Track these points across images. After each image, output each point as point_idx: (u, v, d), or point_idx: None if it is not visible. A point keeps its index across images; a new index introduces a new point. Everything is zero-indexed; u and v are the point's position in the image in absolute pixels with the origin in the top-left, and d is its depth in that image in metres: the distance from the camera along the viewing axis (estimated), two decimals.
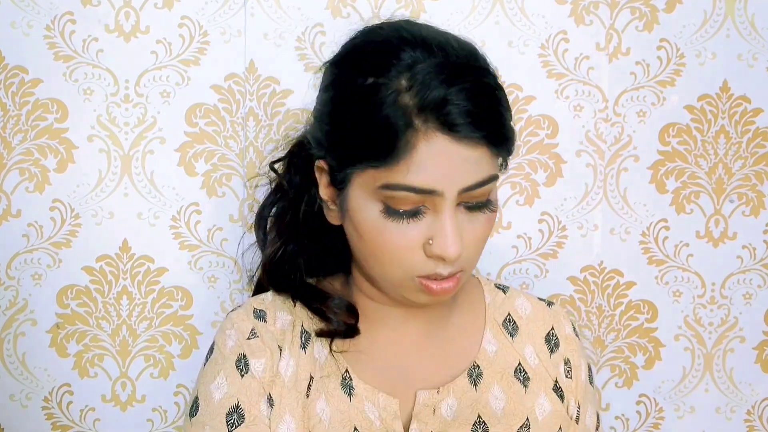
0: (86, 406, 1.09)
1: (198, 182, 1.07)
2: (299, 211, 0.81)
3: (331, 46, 1.06)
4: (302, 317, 0.80)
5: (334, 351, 0.78)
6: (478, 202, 0.71)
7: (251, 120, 1.07)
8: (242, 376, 0.75)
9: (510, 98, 1.07)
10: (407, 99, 0.67)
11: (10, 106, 1.05)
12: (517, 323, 0.84)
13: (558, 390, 0.82)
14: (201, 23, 1.06)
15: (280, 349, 0.78)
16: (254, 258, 1.09)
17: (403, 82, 0.68)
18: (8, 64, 1.04)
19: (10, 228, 1.06)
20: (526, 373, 0.81)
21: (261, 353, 0.77)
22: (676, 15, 1.08)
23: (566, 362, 0.83)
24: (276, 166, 0.85)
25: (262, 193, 1.07)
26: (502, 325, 0.83)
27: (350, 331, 0.78)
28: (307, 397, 0.76)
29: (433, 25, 0.75)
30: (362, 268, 0.77)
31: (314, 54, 1.06)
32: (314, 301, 0.80)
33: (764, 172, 1.10)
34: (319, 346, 0.79)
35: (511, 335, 0.83)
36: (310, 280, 0.83)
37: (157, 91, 1.06)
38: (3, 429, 1.09)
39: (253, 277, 0.89)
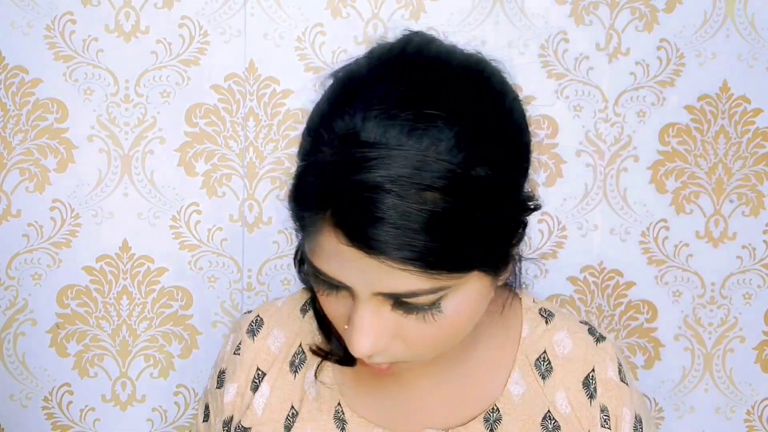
0: (86, 406, 1.09)
1: (198, 182, 1.07)
2: None
3: (331, 46, 1.06)
4: (305, 333, 0.73)
5: (326, 381, 0.71)
6: (415, 304, 0.58)
7: (251, 120, 1.07)
8: (217, 387, 0.76)
9: None
10: (325, 176, 0.56)
11: (10, 106, 1.05)
12: (552, 363, 0.71)
13: None
14: (201, 23, 1.06)
15: (259, 376, 0.72)
16: (255, 259, 1.09)
17: (327, 154, 0.56)
18: (8, 64, 1.04)
19: (10, 228, 1.06)
20: (556, 421, 0.69)
21: (236, 376, 0.73)
22: (676, 15, 1.08)
23: (603, 410, 0.70)
24: None
25: (262, 193, 1.08)
26: (534, 364, 0.71)
27: (347, 358, 0.68)
28: (288, 429, 0.70)
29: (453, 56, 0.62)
30: None
31: (314, 54, 1.06)
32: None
33: (764, 173, 1.10)
34: (313, 372, 0.72)
35: (543, 377, 0.70)
36: None
37: (157, 91, 1.06)
38: (3, 429, 1.09)
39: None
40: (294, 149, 1.06)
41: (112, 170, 1.06)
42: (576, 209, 1.10)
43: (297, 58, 1.06)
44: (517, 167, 0.61)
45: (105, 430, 1.10)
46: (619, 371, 0.72)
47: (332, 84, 0.61)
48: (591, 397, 0.70)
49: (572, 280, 1.11)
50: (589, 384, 0.71)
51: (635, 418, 0.71)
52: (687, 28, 1.08)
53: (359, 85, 0.58)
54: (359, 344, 0.58)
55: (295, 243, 1.07)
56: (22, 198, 1.06)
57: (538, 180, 1.09)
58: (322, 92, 0.62)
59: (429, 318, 0.58)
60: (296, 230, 0.61)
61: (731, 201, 1.10)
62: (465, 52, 0.62)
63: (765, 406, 1.14)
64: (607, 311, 1.11)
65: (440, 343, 0.61)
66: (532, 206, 0.63)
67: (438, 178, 0.53)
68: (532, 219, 1.09)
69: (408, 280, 0.55)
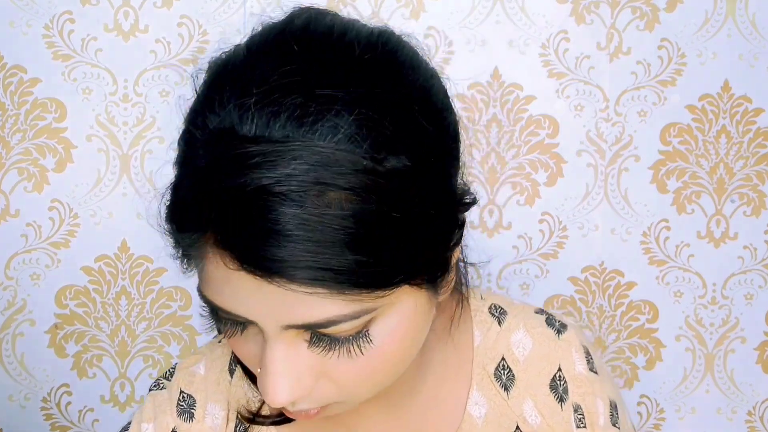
0: (85, 406, 1.09)
1: None
2: None
3: None
4: (237, 400, 0.61)
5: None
6: (336, 341, 0.47)
7: None
8: None
9: (510, 98, 1.08)
10: (200, 186, 0.47)
11: (8, 105, 1.04)
12: (514, 370, 0.62)
13: None
14: (200, 22, 1.05)
15: None
16: None
17: (200, 159, 0.48)
18: (7, 64, 1.04)
19: (9, 228, 1.06)
20: None
21: None
22: (677, 14, 1.08)
23: (576, 409, 0.62)
24: None
25: None
26: (494, 375, 0.62)
27: (281, 419, 0.58)
28: None
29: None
30: None
31: None
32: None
33: (765, 172, 1.10)
34: None
35: (506, 388, 0.61)
36: None
37: (156, 90, 1.06)
38: (2, 430, 1.09)
39: None
40: None
41: (110, 170, 1.06)
42: (577, 209, 1.10)
43: None
44: (442, 154, 0.49)
45: (104, 431, 1.09)
46: (587, 361, 0.64)
47: (206, 75, 0.52)
48: (561, 400, 0.62)
49: (573, 280, 1.11)
50: (557, 386, 0.62)
51: (609, 405, 0.64)
52: (688, 27, 1.08)
53: (235, 71, 0.49)
54: (274, 392, 0.46)
55: None
56: (20, 198, 1.05)
57: (539, 180, 1.09)
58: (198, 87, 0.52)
59: (355, 351, 0.47)
60: (178, 259, 0.50)
61: (732, 201, 1.10)
62: (367, 26, 0.52)
63: (766, 407, 1.13)
64: (608, 311, 1.11)
65: (377, 379, 0.49)
66: (467, 200, 0.52)
67: (340, 175, 0.42)
68: (533, 219, 1.09)
69: (321, 306, 0.44)
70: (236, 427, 0.60)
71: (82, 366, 1.08)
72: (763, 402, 1.13)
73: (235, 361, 0.62)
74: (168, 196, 0.51)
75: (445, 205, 0.49)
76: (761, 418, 1.13)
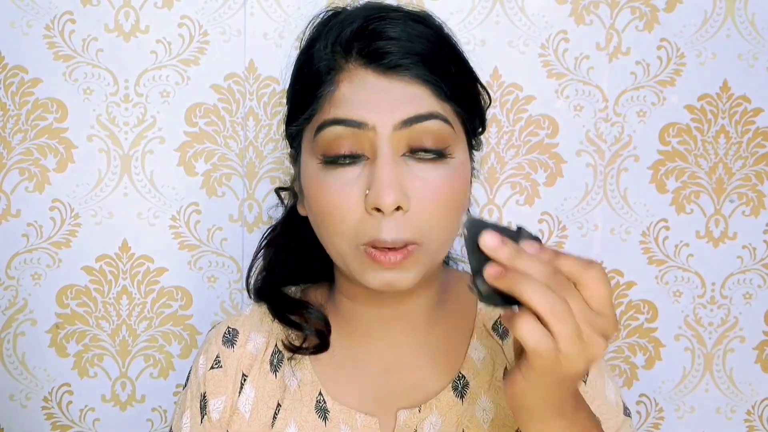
0: (86, 406, 1.09)
1: (198, 182, 1.07)
2: (289, 221, 0.81)
3: None
4: (277, 335, 0.78)
5: (306, 374, 0.74)
6: (428, 149, 0.65)
7: (251, 120, 1.07)
8: (201, 420, 0.76)
9: (510, 98, 1.08)
10: (329, 41, 0.67)
11: (9, 105, 1.05)
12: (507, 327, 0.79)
13: None
14: (201, 23, 1.05)
15: (244, 379, 0.76)
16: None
17: (333, 33, 0.68)
18: (8, 64, 1.04)
19: (10, 228, 1.06)
20: None
21: (221, 390, 0.75)
22: (676, 15, 1.08)
23: None
24: (283, 194, 0.86)
25: (262, 193, 1.08)
26: (492, 328, 0.77)
27: (322, 344, 0.74)
28: (272, 426, 0.73)
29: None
30: (328, 252, 0.71)
31: None
32: (289, 311, 0.77)
33: (764, 172, 1.10)
34: (291, 367, 0.76)
35: (502, 338, 0.77)
36: (293, 289, 0.81)
37: (157, 90, 1.06)
38: (3, 429, 1.09)
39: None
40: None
41: (111, 170, 1.06)
42: (576, 209, 1.10)
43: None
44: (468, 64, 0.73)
45: (104, 430, 1.09)
46: None
47: (309, 26, 0.74)
48: None
49: None
50: None
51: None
52: (687, 27, 1.08)
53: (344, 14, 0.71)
54: (387, 191, 0.62)
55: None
56: (21, 198, 1.06)
57: (539, 179, 1.09)
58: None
59: (438, 172, 0.65)
60: (291, 134, 0.72)
61: (731, 201, 1.10)
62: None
63: (765, 407, 1.13)
64: None
65: (442, 217, 0.65)
66: (488, 94, 0.75)
67: (429, 27, 0.70)
68: (533, 219, 1.09)
69: (425, 101, 0.64)
70: (273, 352, 0.77)
71: (83, 365, 1.08)
72: (762, 401, 1.13)
73: (276, 309, 0.78)
74: (293, 74, 0.73)
75: (476, 80, 0.73)
76: (760, 417, 1.14)
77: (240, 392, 0.75)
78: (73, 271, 1.07)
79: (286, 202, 0.85)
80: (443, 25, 0.72)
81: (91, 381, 1.09)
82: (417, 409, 0.72)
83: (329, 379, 0.74)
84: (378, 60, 0.64)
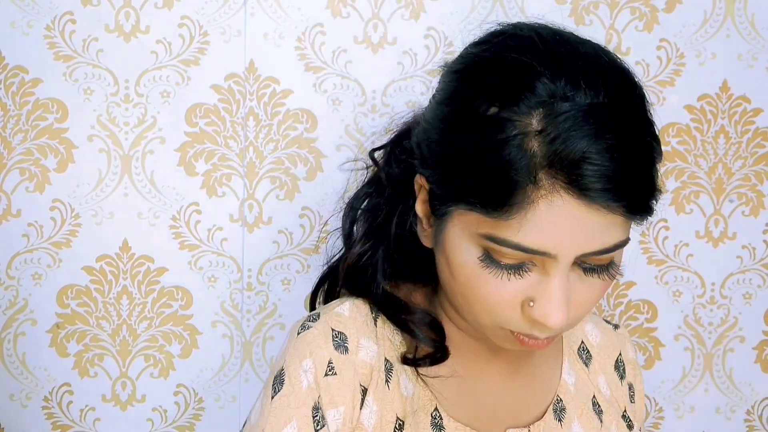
0: (86, 405, 1.09)
1: (198, 182, 1.07)
2: (394, 212, 0.71)
3: (331, 46, 1.06)
4: (384, 341, 0.69)
5: (423, 377, 0.69)
6: (597, 264, 0.61)
7: (251, 120, 1.07)
8: (316, 431, 0.65)
9: None
10: (536, 146, 0.56)
11: (10, 105, 1.05)
12: (591, 352, 0.78)
13: (626, 418, 0.77)
14: (201, 23, 1.06)
15: (364, 391, 0.67)
16: (255, 259, 1.09)
17: (534, 123, 0.56)
18: (8, 64, 1.04)
19: (10, 228, 1.06)
20: (599, 405, 0.75)
21: (340, 399, 0.65)
22: (676, 15, 1.08)
23: (630, 387, 0.79)
24: (376, 155, 0.75)
25: (262, 193, 1.08)
26: (578, 353, 0.77)
27: (439, 353, 0.68)
28: None
29: (581, 36, 0.66)
30: (450, 300, 0.68)
31: (314, 54, 1.06)
32: (399, 312, 0.69)
33: (764, 172, 1.10)
34: (405, 377, 0.69)
35: (586, 364, 0.77)
36: (385, 285, 0.72)
37: (157, 91, 1.06)
38: (3, 429, 1.09)
39: (328, 271, 0.78)
40: (294, 149, 1.07)
41: (112, 170, 1.06)
42: None
43: (297, 57, 1.06)
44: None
45: (105, 430, 1.10)
46: (635, 351, 0.82)
47: (482, 65, 0.62)
48: (621, 377, 0.78)
49: None
50: (619, 366, 0.79)
51: (642, 388, 0.82)
52: (687, 27, 1.08)
53: (527, 54, 0.61)
54: (558, 316, 0.58)
55: (296, 243, 1.07)
56: (22, 198, 1.06)
57: None
58: (443, 90, 0.64)
59: (598, 282, 0.61)
60: (436, 200, 0.62)
61: (731, 201, 1.10)
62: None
63: (765, 406, 1.14)
64: (608, 311, 1.11)
65: (587, 311, 0.63)
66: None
67: (651, 126, 0.60)
68: None
69: (614, 232, 0.59)
70: (384, 361, 0.68)
71: (84, 365, 1.09)
72: (761, 401, 1.13)
73: (378, 311, 0.70)
74: (455, 137, 0.60)
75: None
76: (760, 417, 1.14)
77: (362, 405, 0.67)
78: (73, 271, 1.07)
79: (383, 170, 0.74)
80: (650, 114, 0.62)
81: (92, 381, 1.09)
82: (527, 429, 0.70)
83: (442, 394, 0.69)
84: (584, 194, 0.56)
